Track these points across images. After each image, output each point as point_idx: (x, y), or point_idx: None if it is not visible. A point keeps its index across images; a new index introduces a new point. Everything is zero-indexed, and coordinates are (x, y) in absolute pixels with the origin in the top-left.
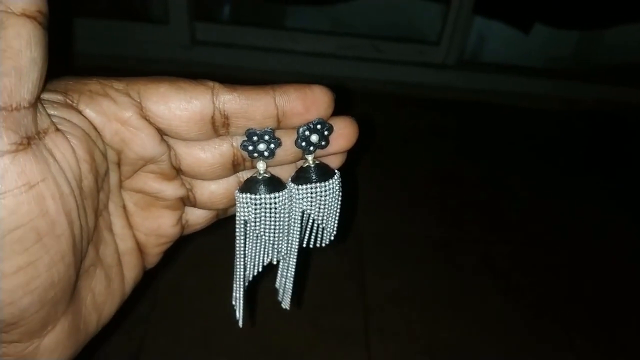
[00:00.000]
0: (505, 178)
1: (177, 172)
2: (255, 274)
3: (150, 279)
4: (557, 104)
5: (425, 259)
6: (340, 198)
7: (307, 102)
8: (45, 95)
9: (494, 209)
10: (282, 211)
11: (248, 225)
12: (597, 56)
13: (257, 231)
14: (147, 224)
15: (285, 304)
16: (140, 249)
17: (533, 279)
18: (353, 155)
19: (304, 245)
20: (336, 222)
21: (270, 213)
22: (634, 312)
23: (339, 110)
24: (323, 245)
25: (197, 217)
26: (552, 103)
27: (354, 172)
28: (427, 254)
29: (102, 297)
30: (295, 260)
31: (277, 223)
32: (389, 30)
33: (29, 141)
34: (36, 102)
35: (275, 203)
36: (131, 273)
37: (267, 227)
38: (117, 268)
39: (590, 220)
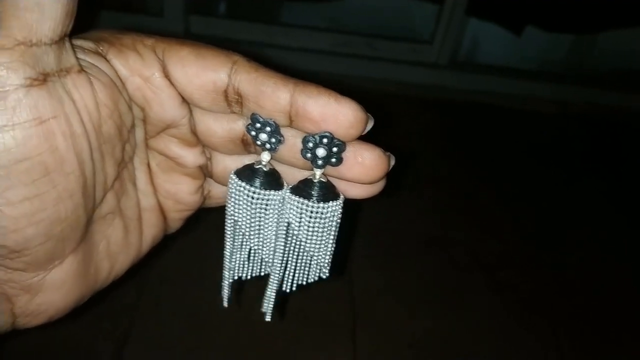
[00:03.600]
0: (495, 177)
1: (198, 139)
2: (246, 276)
3: (139, 267)
4: (549, 107)
5: (415, 255)
6: (336, 229)
7: (325, 111)
8: (77, 42)
9: (484, 207)
10: (262, 210)
11: (232, 207)
12: (590, 60)
13: (236, 217)
14: (167, 187)
15: (267, 315)
16: (161, 209)
17: (522, 276)
18: None
19: (290, 275)
20: (329, 255)
21: (248, 205)
22: (622, 312)
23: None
24: (310, 281)
25: (219, 191)
26: (544, 105)
27: None
28: (417, 250)
29: (117, 247)
30: (277, 271)
31: (255, 220)
32: (384, 28)
33: (45, 77)
34: (62, 41)
35: (254, 197)
36: (150, 230)
37: (244, 218)
38: (137, 222)
39: (581, 220)
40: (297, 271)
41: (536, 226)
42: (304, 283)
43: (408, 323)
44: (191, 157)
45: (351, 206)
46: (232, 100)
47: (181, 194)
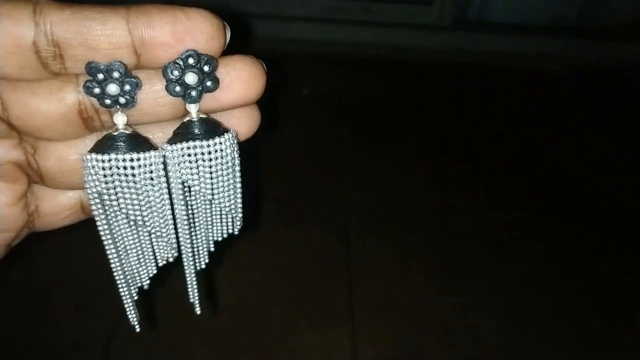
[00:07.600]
0: (501, 143)
1: (10, 127)
2: (150, 273)
3: None
4: (558, 65)
5: (415, 228)
6: (237, 167)
7: (177, 29)
8: None
9: (492, 175)
10: (149, 181)
11: (104, 199)
12: (601, 15)
13: (117, 208)
14: None
15: (196, 307)
16: None
17: (531, 247)
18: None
19: (200, 237)
20: (239, 201)
21: (129, 181)
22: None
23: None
24: (224, 236)
25: (52, 204)
26: (553, 64)
27: (341, 140)
28: (417, 223)
29: None
30: (190, 253)
31: (144, 197)
32: None
33: None
34: None
35: (134, 167)
36: None
37: (130, 202)
38: None
39: (591, 183)
40: (208, 236)
41: (543, 192)
42: (217, 241)
43: (409, 301)
44: None
45: (344, 182)
46: (48, 56)
47: None
